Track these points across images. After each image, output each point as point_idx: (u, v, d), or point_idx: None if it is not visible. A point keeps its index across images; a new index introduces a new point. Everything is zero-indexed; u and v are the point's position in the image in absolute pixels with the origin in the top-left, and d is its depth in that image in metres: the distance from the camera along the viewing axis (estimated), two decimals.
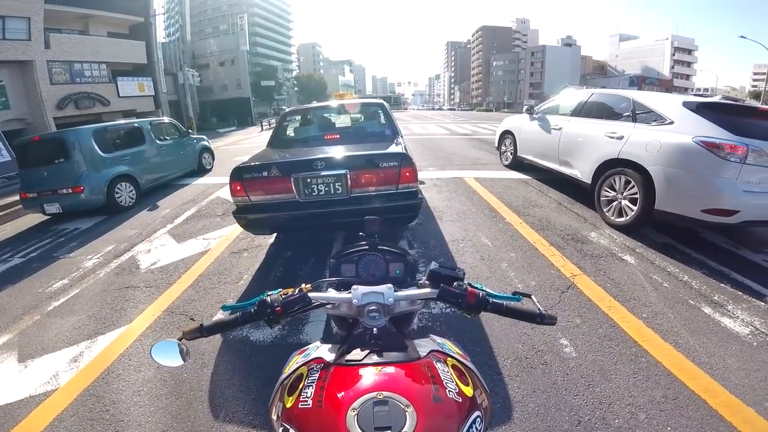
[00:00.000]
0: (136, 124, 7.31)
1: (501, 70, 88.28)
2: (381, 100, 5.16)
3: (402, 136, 4.15)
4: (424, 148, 10.66)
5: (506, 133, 7.29)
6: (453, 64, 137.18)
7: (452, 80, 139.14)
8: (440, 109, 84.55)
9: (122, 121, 7.97)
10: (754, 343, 2.28)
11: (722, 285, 2.94)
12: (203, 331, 0.90)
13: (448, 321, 2.56)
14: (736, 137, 3.26)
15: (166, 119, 9.09)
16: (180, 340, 0.91)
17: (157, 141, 7.46)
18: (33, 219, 6.12)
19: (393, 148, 3.39)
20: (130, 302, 3.07)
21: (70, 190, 5.64)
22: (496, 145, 7.84)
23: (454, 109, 77.53)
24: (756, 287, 2.90)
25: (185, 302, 3.00)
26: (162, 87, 25.15)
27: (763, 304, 2.68)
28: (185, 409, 1.95)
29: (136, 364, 2.32)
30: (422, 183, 5.82)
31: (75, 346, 2.54)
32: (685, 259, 3.37)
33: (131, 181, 6.43)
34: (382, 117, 4.74)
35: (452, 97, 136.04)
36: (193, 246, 4.16)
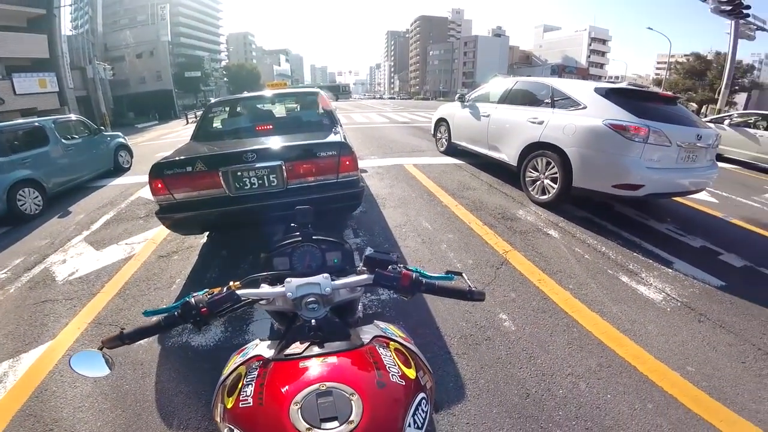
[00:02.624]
0: (36, 124, 6.44)
1: (437, 60, 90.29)
2: (317, 89, 5.03)
3: (341, 125, 4.09)
4: (366, 136, 10.65)
5: (441, 121, 7.50)
6: (393, 53, 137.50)
7: (392, 69, 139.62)
8: (381, 98, 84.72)
9: (20, 121, 7.00)
10: (668, 309, 2.54)
11: (635, 254, 3.28)
12: (124, 339, 0.85)
13: (395, 305, 2.61)
14: (639, 119, 3.64)
15: (73, 116, 8.15)
16: (101, 349, 0.86)
17: (64, 141, 6.66)
18: None
19: (331, 137, 3.32)
20: (50, 317, 2.76)
21: None
22: (432, 132, 8.04)
23: (394, 98, 78.02)
24: (663, 255, 3.28)
25: (113, 312, 2.75)
26: (68, 82, 22.51)
27: (670, 271, 3.03)
28: (134, 422, 1.82)
29: (69, 380, 2.11)
30: (365, 171, 5.82)
31: None
32: (602, 231, 3.73)
33: (36, 186, 5.67)
34: (318, 106, 4.63)
35: (392, 85, 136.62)
36: (114, 252, 3.79)
